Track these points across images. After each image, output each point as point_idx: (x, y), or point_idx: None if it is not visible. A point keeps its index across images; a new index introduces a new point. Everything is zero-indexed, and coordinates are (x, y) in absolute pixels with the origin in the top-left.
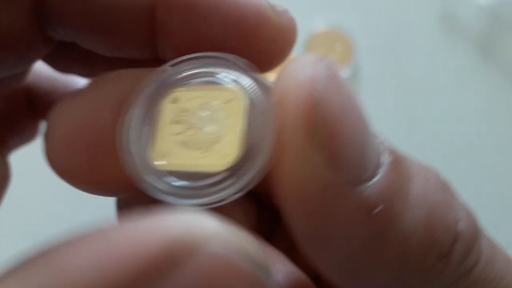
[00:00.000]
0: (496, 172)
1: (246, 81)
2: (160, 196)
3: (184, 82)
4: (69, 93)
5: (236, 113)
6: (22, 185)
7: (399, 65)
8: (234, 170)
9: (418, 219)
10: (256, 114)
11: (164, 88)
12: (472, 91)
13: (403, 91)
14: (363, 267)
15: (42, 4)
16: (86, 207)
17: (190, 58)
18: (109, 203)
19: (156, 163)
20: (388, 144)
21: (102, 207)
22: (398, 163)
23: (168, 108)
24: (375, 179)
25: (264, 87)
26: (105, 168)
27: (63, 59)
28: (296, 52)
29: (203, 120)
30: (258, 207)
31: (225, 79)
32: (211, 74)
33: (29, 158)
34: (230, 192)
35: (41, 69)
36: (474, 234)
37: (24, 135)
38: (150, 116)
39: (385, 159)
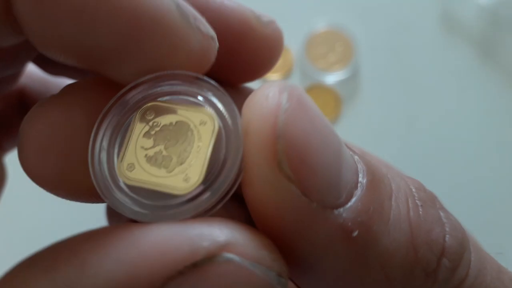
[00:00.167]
0: (496, 172)
1: (219, 104)
2: (130, 216)
3: (161, 96)
4: (41, 100)
5: (206, 137)
6: (18, 186)
7: (399, 65)
8: (196, 195)
9: (399, 239)
10: (225, 141)
11: (140, 100)
12: (472, 91)
13: (403, 90)
14: None
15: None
16: (84, 207)
17: (166, 74)
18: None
19: (120, 178)
20: (367, 161)
21: (101, 207)
22: (377, 182)
23: (142, 120)
24: (352, 201)
25: (233, 113)
26: (77, 175)
27: (52, 62)
28: (296, 52)
29: (173, 139)
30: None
31: (201, 99)
32: (188, 92)
33: None
34: (188, 215)
35: (33, 71)
36: (461, 248)
37: (17, 137)
38: (124, 126)
39: (363, 179)
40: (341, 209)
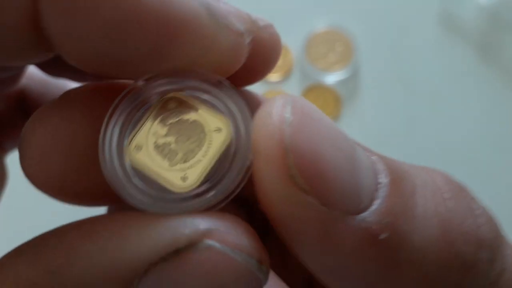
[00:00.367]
0: (496, 171)
1: (237, 114)
2: (142, 208)
3: (186, 91)
4: (42, 106)
5: (216, 146)
6: (18, 186)
7: (399, 65)
8: (199, 194)
9: (430, 235)
10: (233, 151)
11: (164, 90)
12: (472, 90)
13: (403, 90)
14: None
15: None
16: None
17: (190, 70)
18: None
19: (126, 155)
20: (387, 160)
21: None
22: (399, 180)
23: (163, 108)
24: (374, 204)
25: (248, 125)
26: (79, 180)
27: (53, 64)
28: (296, 52)
29: (185, 135)
30: (248, 214)
31: (222, 105)
32: (213, 94)
33: None
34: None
35: (33, 72)
36: (498, 239)
37: (18, 137)
38: (142, 109)
39: (383, 179)
40: (365, 214)
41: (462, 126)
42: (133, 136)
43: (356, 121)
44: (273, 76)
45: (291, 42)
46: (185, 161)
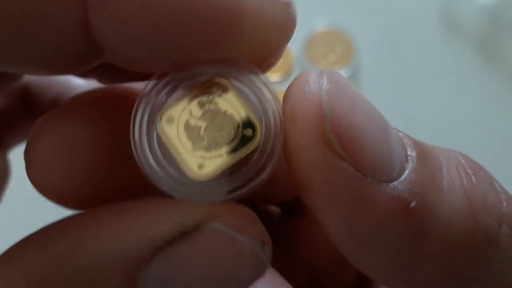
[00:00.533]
0: (496, 171)
1: (270, 113)
2: (176, 196)
3: (232, 78)
4: (48, 113)
5: (241, 147)
6: (21, 181)
7: (399, 64)
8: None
9: (456, 206)
10: (259, 152)
11: (213, 73)
12: (472, 90)
13: (403, 90)
14: (410, 263)
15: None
16: None
17: (222, 59)
18: None
19: (157, 125)
20: (412, 137)
21: None
22: (425, 154)
23: (207, 90)
24: (405, 173)
25: (277, 127)
26: (85, 187)
27: None
28: (296, 52)
29: (216, 125)
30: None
31: (261, 104)
32: (254, 89)
33: None
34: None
35: None
36: None
37: (22, 133)
38: (184, 84)
39: (412, 152)
40: (396, 182)
41: (462, 126)
42: (169, 107)
43: None
44: (273, 76)
45: (291, 42)
46: (207, 151)
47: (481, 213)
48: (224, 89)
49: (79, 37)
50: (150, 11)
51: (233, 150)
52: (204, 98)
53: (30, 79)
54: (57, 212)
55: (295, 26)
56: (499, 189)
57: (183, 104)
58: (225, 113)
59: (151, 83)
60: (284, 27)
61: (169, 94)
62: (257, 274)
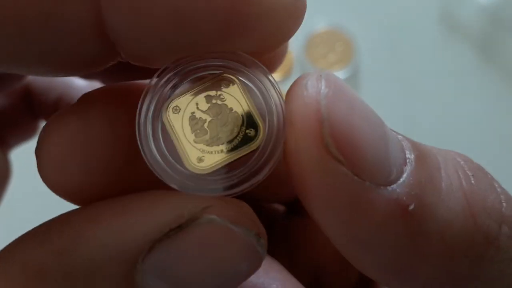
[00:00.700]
0: (496, 171)
1: (274, 117)
2: (186, 191)
3: (239, 75)
4: (59, 112)
5: (242, 146)
6: (22, 181)
7: (399, 64)
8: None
9: (455, 208)
10: (260, 151)
11: (221, 66)
12: (472, 90)
13: (403, 90)
14: (408, 265)
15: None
16: None
17: (229, 53)
18: None
19: (163, 111)
20: (410, 140)
21: None
22: (424, 156)
23: (216, 84)
24: (403, 176)
25: (281, 129)
26: (97, 185)
27: None
28: (296, 52)
29: (221, 120)
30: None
31: (266, 105)
32: (261, 89)
33: (29, 156)
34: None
35: None
36: None
37: (23, 133)
38: (191, 77)
39: (410, 155)
40: (394, 185)
41: (462, 126)
42: (177, 97)
43: None
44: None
45: (291, 42)
46: (208, 145)
47: (481, 214)
48: (232, 85)
49: (94, 37)
50: (162, 6)
51: (234, 148)
52: (212, 93)
53: (32, 79)
54: (57, 211)
55: (305, 11)
56: (499, 190)
57: (190, 96)
58: (230, 110)
59: (158, 76)
60: (294, 12)
61: (176, 86)
62: (253, 265)
